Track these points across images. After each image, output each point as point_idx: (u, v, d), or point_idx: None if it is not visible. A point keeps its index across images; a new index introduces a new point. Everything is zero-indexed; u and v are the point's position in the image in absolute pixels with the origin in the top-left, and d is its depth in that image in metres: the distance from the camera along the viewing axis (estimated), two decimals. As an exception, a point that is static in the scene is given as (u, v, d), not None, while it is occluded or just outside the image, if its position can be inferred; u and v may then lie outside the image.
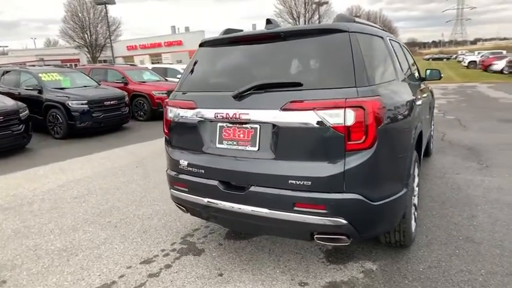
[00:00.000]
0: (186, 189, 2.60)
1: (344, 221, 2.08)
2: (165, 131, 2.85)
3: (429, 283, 2.44)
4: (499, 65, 25.17)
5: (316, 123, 2.06)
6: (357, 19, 2.64)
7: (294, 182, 2.13)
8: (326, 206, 2.08)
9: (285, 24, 26.05)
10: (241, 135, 2.35)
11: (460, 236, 3.05)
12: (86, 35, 37.90)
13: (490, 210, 3.52)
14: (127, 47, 48.68)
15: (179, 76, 13.26)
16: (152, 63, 29.90)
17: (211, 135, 2.48)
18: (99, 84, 9.92)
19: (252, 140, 2.31)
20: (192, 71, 2.77)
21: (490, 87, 16.23)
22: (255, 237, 3.19)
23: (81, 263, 2.89)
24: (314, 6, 25.04)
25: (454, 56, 68.46)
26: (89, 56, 39.67)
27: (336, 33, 2.24)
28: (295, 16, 24.67)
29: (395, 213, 2.34)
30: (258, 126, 2.28)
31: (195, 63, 2.78)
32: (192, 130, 2.56)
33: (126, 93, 9.72)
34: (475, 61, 33.32)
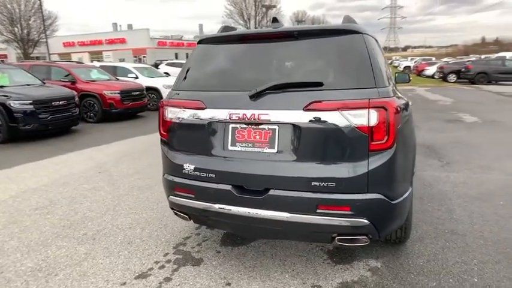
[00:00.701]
0: (193, 196, 2.42)
1: (366, 221, 2.08)
2: (162, 132, 2.63)
3: (433, 276, 2.55)
4: (431, 70, 27.73)
5: (341, 124, 2.04)
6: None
7: (317, 183, 2.08)
8: (351, 207, 2.06)
9: (236, 25, 26.11)
10: (258, 137, 2.24)
11: (445, 229, 3.24)
12: (16, 29, 34.32)
13: (464, 204, 3.80)
14: (63, 43, 45.19)
15: (131, 75, 12.61)
16: (91, 61, 28.03)
17: (223, 137, 2.34)
18: (44, 83, 9.00)
19: (270, 141, 2.21)
20: (193, 69, 2.59)
21: (427, 91, 17.77)
22: (252, 242, 3.09)
23: (65, 284, 2.56)
24: (264, 9, 25.46)
25: (390, 61, 74.05)
26: (19, 51, 35.98)
27: (350, 34, 2.24)
28: (245, 18, 24.81)
29: (406, 211, 2.40)
30: (276, 127, 2.19)
31: (196, 60, 2.60)
32: (199, 132, 2.39)
33: (75, 93, 8.95)
34: (409, 66, 36.33)
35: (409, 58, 50.73)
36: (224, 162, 2.31)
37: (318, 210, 2.09)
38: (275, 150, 2.20)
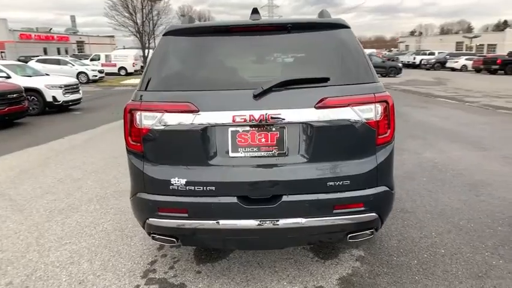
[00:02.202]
0: (185, 214, 2.05)
1: (376, 215, 2.10)
2: (132, 143, 2.15)
3: (411, 254, 2.76)
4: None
5: (353, 120, 1.99)
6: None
7: (332, 183, 2.00)
8: (364, 203, 2.04)
9: (121, 18, 23.94)
10: (263, 140, 2.01)
11: (396, 208, 3.56)
12: None
13: (398, 184, 4.21)
14: None
15: (0, 74, 10.30)
16: None
17: (221, 143, 2.03)
18: None
19: (278, 143, 2.02)
20: (170, 65, 2.17)
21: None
22: (231, 254, 2.84)
23: None
24: (150, 2, 23.94)
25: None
26: None
27: (343, 29, 2.20)
28: (131, 10, 22.92)
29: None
30: (284, 127, 2.00)
31: (173, 54, 2.19)
32: (191, 139, 2.02)
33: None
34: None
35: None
36: (226, 172, 2.01)
37: (335, 211, 2.02)
38: (285, 153, 2.02)
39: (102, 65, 26.88)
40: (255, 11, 2.31)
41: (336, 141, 2.02)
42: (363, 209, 2.05)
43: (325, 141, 2.01)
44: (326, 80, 2.01)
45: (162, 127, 2.03)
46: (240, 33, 2.20)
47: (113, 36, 57.25)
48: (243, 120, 1.95)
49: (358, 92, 2.01)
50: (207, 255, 2.82)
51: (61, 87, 10.41)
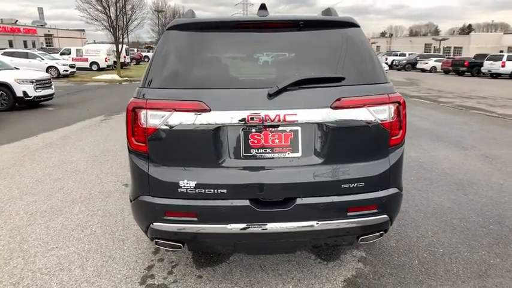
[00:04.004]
0: (194, 218, 1.94)
1: (387, 217, 2.09)
2: (136, 143, 2.01)
3: (411, 254, 2.79)
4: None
5: (368, 121, 1.96)
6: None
7: (347, 185, 1.96)
8: (377, 205, 2.02)
9: (94, 11, 22.94)
10: (277, 141, 1.94)
11: (390, 208, 3.60)
12: None
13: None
14: None
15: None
16: None
17: (233, 143, 1.93)
18: None
19: (292, 144, 1.95)
20: (176, 61, 2.05)
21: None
22: (231, 257, 2.75)
23: None
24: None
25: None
26: None
27: (352, 27, 2.16)
28: (104, 4, 22.03)
29: None
30: (298, 128, 1.94)
31: (179, 50, 2.06)
32: (202, 139, 1.91)
33: None
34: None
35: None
36: (238, 174, 1.92)
37: (348, 213, 1.98)
38: (299, 154, 1.96)
39: (73, 59, 25.80)
40: (262, 6, 2.22)
41: (350, 143, 1.99)
42: (375, 211, 2.03)
43: (340, 142, 1.96)
44: (341, 79, 1.97)
45: (171, 127, 1.91)
46: (249, 30, 2.11)
47: (83, 30, 55.13)
48: (258, 120, 1.87)
49: (372, 93, 1.98)
50: (206, 259, 2.72)
51: (32, 82, 9.84)
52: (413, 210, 3.55)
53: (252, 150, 1.94)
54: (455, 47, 51.20)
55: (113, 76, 21.90)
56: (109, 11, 22.31)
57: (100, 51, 27.37)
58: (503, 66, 23.14)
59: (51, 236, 3.08)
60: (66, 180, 4.47)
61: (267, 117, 1.87)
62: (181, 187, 1.92)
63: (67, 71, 21.51)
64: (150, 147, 1.96)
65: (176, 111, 1.89)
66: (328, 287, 2.40)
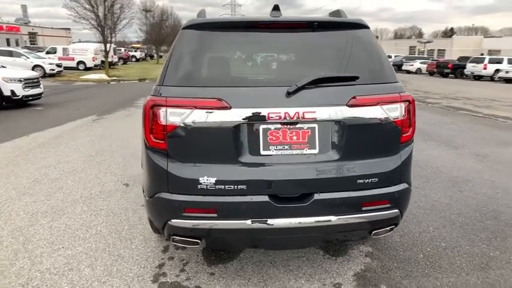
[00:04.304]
0: (214, 214, 1.97)
1: (398, 211, 2.16)
2: (155, 140, 2.02)
3: (415, 249, 2.87)
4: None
5: (382, 118, 2.02)
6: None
7: (362, 181, 2.02)
8: (390, 200, 2.09)
9: (81, 10, 22.57)
10: (295, 138, 1.98)
11: (391, 205, 3.70)
12: None
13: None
14: None
15: None
16: None
17: (252, 140, 1.97)
18: None
19: (309, 141, 2.00)
20: (194, 60, 2.07)
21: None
22: (241, 254, 2.78)
23: None
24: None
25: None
26: None
27: (363, 29, 2.23)
28: (92, 2, 21.67)
29: None
30: (315, 125, 1.99)
31: (197, 49, 2.08)
32: (222, 136, 1.94)
33: None
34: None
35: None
36: (258, 170, 1.96)
37: (363, 208, 2.04)
38: (316, 151, 2.01)
39: (59, 58, 25.28)
40: (276, 7, 2.27)
41: (365, 139, 2.05)
42: (388, 205, 2.09)
43: (355, 139, 2.02)
44: (355, 78, 2.03)
45: (191, 124, 1.92)
46: (265, 30, 2.15)
47: (68, 29, 54.08)
48: (277, 117, 1.92)
49: (385, 91, 2.05)
50: (216, 256, 2.74)
51: (21, 81, 9.63)
52: (413, 207, 3.64)
53: (270, 147, 1.98)
54: (438, 50, 52.42)
55: (101, 76, 21.60)
56: (97, 9, 21.98)
57: (87, 51, 26.92)
58: (485, 68, 23.84)
59: (55, 236, 3.05)
60: (65, 180, 4.41)
61: (286, 114, 1.92)
62: (201, 183, 1.95)
63: (54, 70, 21.08)
64: (170, 145, 1.98)
65: (197, 108, 1.91)
66: (340, 281, 2.46)
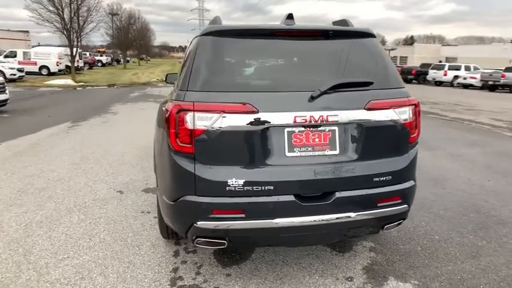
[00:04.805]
0: (243, 215, 2.03)
1: (407, 206, 2.34)
2: (181, 145, 2.05)
3: (413, 242, 3.08)
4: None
5: (394, 121, 2.20)
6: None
7: (378, 179, 2.17)
8: (401, 196, 2.26)
9: (45, 13, 21.60)
10: (317, 140, 2.10)
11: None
12: None
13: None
14: None
15: None
16: None
17: (277, 143, 2.06)
18: None
19: (330, 143, 2.12)
20: (215, 66, 2.13)
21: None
22: (252, 254, 2.85)
23: None
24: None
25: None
26: None
27: (371, 38, 2.40)
28: (57, 4, 20.80)
29: None
30: (336, 128, 2.12)
31: (219, 55, 2.15)
32: (248, 139, 2.02)
33: None
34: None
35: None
36: (284, 171, 2.06)
37: (378, 204, 2.19)
38: (337, 152, 2.14)
39: (20, 62, 24.07)
40: (290, 16, 2.39)
41: (380, 140, 2.21)
42: (399, 201, 2.26)
43: (371, 140, 2.18)
44: (370, 83, 2.19)
45: (220, 128, 1.99)
46: (283, 37, 2.27)
47: (27, 32, 51.41)
48: (303, 121, 2.03)
49: (396, 96, 2.23)
50: (229, 258, 2.80)
51: (-15, 86, 9.11)
52: (403, 204, 3.88)
53: (295, 148, 2.09)
54: (401, 57, 55.14)
55: (66, 81, 20.76)
56: (62, 12, 21.17)
57: (50, 55, 25.79)
58: (445, 75, 25.45)
59: (57, 246, 2.96)
60: (53, 189, 4.27)
61: (312, 118, 2.04)
62: (229, 185, 2.01)
63: (15, 75, 20.01)
64: (197, 148, 2.03)
65: (225, 113, 1.98)
66: (351, 275, 2.60)
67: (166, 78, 4.73)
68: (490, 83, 21.90)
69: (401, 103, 2.23)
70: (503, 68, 22.33)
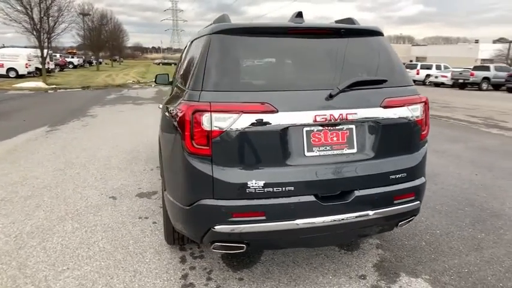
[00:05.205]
0: (263, 217, 1.98)
1: (419, 202, 2.37)
2: (197, 147, 1.97)
3: (416, 238, 3.13)
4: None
5: (408, 118, 2.21)
6: None
7: (393, 176, 2.18)
8: (415, 193, 2.28)
9: (12, 13, 20.58)
10: (335, 138, 2.08)
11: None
12: None
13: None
14: None
15: None
16: None
17: (296, 142, 2.02)
18: None
19: (348, 141, 2.11)
20: (230, 65, 2.07)
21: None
22: (262, 257, 2.81)
23: None
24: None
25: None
26: None
27: (380, 36, 2.42)
28: (25, 3, 19.84)
29: None
30: (353, 126, 2.11)
31: (233, 54, 2.09)
32: (268, 140, 1.97)
33: None
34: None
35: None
36: (304, 171, 2.02)
37: (395, 202, 2.20)
38: (355, 150, 2.13)
39: (-17, 64, 22.85)
40: (299, 14, 2.36)
41: (395, 138, 2.22)
42: (413, 198, 2.29)
43: (388, 137, 2.19)
44: (384, 81, 2.20)
45: (239, 129, 1.93)
46: (296, 35, 2.23)
47: (-10, 32, 48.79)
48: (323, 119, 2.01)
49: (408, 94, 2.26)
50: (239, 262, 2.74)
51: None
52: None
53: (314, 148, 2.06)
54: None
55: (37, 84, 19.87)
56: (31, 12, 20.25)
57: (19, 56, 24.61)
58: (417, 74, 26.34)
59: (54, 258, 2.80)
60: (40, 197, 4.04)
61: (331, 116, 2.02)
62: (249, 187, 1.96)
63: (-20, 78, 18.92)
64: (215, 150, 1.96)
65: (244, 113, 1.92)
66: (363, 273, 2.60)
67: (156, 79, 4.84)
68: (460, 81, 22.85)
69: (414, 100, 2.26)
70: (472, 67, 23.39)
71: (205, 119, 1.93)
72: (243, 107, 1.94)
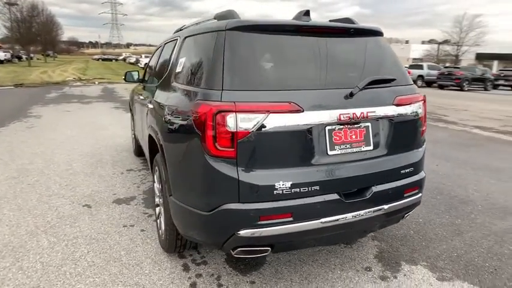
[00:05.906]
0: (290, 218, 1.94)
1: (421, 194, 2.50)
2: (221, 149, 1.87)
3: (405, 227, 3.31)
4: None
5: (415, 115, 2.32)
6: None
7: (404, 171, 2.28)
8: (419, 186, 2.41)
9: None
10: (353, 136, 2.11)
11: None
12: None
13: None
14: None
15: None
16: None
17: (320, 142, 2.00)
18: None
19: (365, 139, 2.15)
20: (249, 63, 1.98)
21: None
22: (267, 258, 2.77)
23: None
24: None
25: (122, 57, 73.46)
26: None
27: (381, 36, 2.50)
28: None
29: None
30: (369, 124, 2.15)
31: (252, 52, 2.00)
32: (294, 140, 1.93)
33: None
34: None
35: (143, 55, 51.84)
36: (328, 170, 2.02)
37: (405, 195, 2.30)
38: (371, 147, 2.18)
39: None
40: (307, 13, 2.35)
41: (404, 134, 2.33)
42: (417, 190, 2.42)
43: (398, 134, 2.27)
44: (393, 80, 2.28)
45: (265, 129, 1.87)
46: (309, 34, 2.21)
47: None
48: (347, 118, 2.02)
49: (413, 92, 2.37)
50: (245, 265, 2.67)
51: None
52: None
53: (335, 146, 2.07)
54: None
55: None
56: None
57: None
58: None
59: (36, 279, 2.49)
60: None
61: (354, 115, 2.04)
62: (277, 189, 1.91)
63: None
64: (240, 152, 1.87)
65: (271, 113, 1.87)
66: (367, 265, 2.69)
67: (125, 77, 4.66)
68: (399, 78, 24.64)
69: (418, 98, 2.38)
70: (408, 66, 25.35)
71: (230, 119, 1.84)
72: (270, 106, 1.88)
